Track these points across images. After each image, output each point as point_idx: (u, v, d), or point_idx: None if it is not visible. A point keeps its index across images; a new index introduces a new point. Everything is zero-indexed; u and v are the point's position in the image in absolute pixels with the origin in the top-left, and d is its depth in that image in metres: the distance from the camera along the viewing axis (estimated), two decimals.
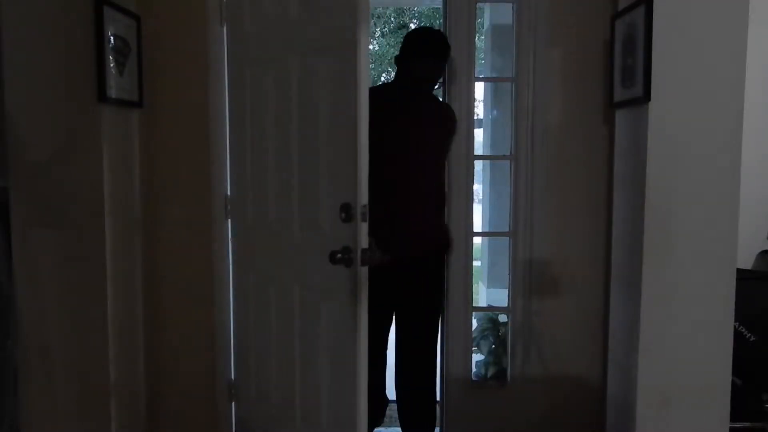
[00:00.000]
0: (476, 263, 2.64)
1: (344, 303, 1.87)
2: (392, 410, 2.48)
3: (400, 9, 9.60)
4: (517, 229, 2.52)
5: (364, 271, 1.83)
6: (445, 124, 2.40)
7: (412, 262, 2.28)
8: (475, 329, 2.87)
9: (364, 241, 1.81)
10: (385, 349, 2.45)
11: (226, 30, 2.36)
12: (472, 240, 2.57)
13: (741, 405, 2.27)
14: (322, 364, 2.05)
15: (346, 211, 1.81)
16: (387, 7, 9.54)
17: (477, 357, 2.84)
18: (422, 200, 2.31)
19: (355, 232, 1.80)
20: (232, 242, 2.43)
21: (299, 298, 2.14)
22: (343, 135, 1.84)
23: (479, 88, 3.80)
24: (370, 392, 2.43)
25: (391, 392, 2.47)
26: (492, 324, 3.00)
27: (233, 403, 2.50)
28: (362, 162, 1.79)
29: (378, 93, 2.26)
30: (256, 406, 2.40)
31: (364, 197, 1.80)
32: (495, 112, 3.84)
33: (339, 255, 1.82)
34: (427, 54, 2.26)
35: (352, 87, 1.77)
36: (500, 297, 2.72)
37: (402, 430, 2.41)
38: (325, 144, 1.97)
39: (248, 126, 2.30)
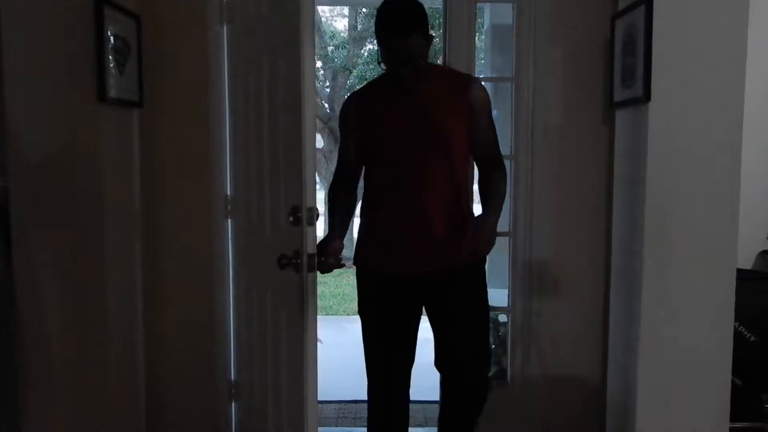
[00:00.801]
0: None
1: (294, 310, 1.80)
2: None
3: None
4: (517, 229, 2.52)
5: (311, 277, 1.75)
6: (463, 97, 1.95)
7: (436, 279, 1.94)
8: None
9: (310, 246, 1.72)
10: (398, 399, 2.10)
11: (226, 30, 2.36)
12: None
13: (741, 405, 2.27)
14: (282, 369, 2.03)
15: (294, 214, 1.72)
16: None
17: None
18: (438, 202, 1.92)
19: (302, 236, 1.72)
20: (232, 242, 2.43)
21: (269, 302, 2.12)
22: (292, 134, 1.76)
23: None
24: None
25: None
26: (492, 324, 3.00)
27: (233, 403, 2.50)
28: (308, 162, 1.71)
29: (365, 91, 2.09)
30: (256, 406, 2.40)
31: (310, 199, 1.72)
32: (495, 112, 3.83)
33: (284, 260, 1.74)
34: (392, 32, 1.81)
35: (296, 82, 1.71)
36: (500, 297, 2.70)
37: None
38: (283, 144, 1.93)
39: (243, 126, 2.30)
